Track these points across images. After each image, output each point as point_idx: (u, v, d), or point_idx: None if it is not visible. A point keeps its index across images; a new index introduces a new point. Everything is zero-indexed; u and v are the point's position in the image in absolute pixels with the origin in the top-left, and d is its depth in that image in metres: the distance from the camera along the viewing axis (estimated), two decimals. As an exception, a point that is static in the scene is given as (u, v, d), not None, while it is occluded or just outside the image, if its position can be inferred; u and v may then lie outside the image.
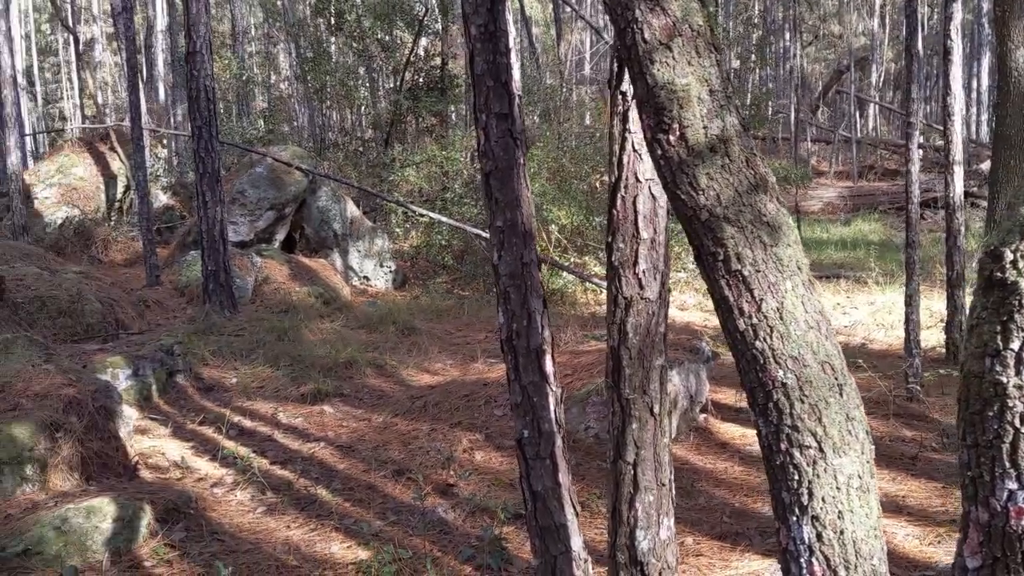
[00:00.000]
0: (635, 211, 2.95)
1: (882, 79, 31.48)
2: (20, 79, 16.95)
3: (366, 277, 12.40)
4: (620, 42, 2.03)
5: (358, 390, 7.21)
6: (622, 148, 3.04)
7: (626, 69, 3.16)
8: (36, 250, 10.23)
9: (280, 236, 12.18)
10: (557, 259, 10.89)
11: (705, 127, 1.95)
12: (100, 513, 4.30)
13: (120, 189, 13.89)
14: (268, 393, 7.10)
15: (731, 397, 6.15)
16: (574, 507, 2.73)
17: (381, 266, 12.51)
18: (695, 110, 1.96)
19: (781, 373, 1.87)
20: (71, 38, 31.41)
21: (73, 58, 30.91)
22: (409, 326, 9.35)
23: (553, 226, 10.97)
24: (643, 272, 2.93)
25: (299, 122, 20.60)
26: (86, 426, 5.20)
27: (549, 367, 2.70)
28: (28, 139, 19.07)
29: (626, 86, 3.00)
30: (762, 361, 1.88)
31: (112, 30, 28.48)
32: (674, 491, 2.98)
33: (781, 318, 1.89)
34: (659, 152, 1.99)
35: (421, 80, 15.65)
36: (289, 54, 27.39)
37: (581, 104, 16.95)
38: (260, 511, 4.84)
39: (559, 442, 2.71)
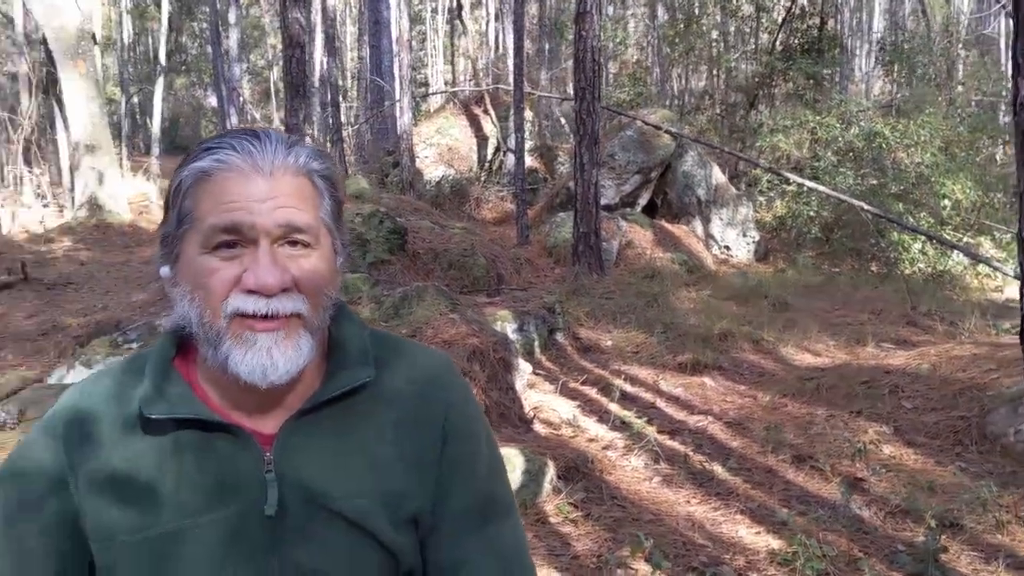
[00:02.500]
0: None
1: None
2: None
3: (727, 246, 12.03)
4: None
5: (737, 364, 6.93)
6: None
7: None
8: (423, 205, 10.92)
9: (643, 200, 12.12)
10: (947, 237, 9.87)
11: None
12: (510, 463, 4.36)
13: (491, 150, 14.50)
14: (644, 359, 7.01)
15: None
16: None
17: (744, 235, 12.08)
18: None
19: None
20: (438, 6, 33.46)
21: (440, 26, 32.92)
22: (781, 300, 8.91)
23: (945, 201, 9.95)
24: None
25: (657, 86, 20.49)
26: (488, 376, 5.36)
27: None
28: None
29: None
30: None
31: (475, -1, 29.93)
32: None
33: None
34: None
35: (795, 41, 14.86)
36: (640, 19, 27.34)
37: (979, 67, 15.28)
38: (656, 481, 4.71)
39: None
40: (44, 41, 14.37)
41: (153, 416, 1.15)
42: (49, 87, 16.37)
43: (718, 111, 16.34)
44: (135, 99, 26.18)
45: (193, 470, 1.16)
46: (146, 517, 1.15)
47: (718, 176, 12.38)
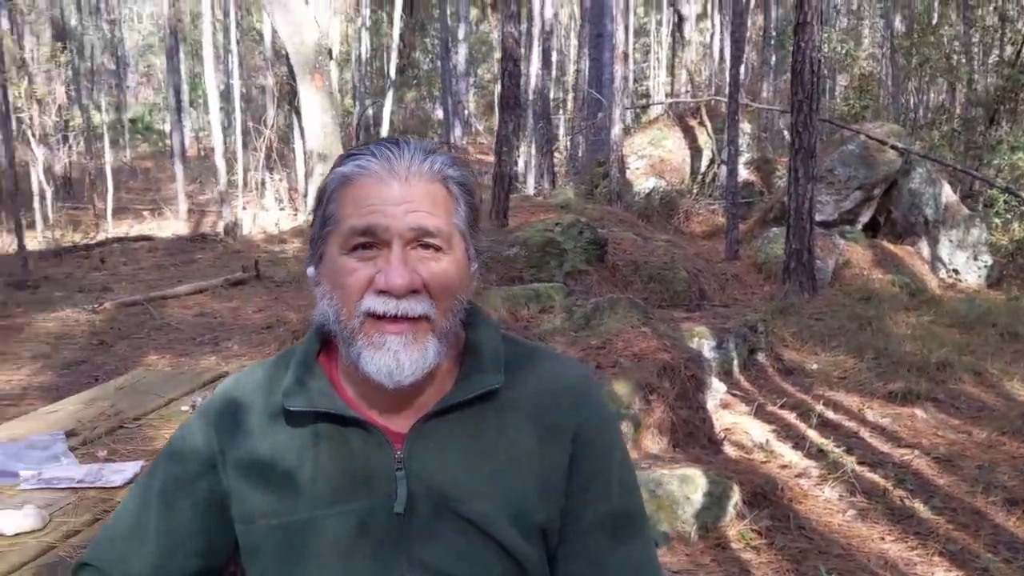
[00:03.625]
0: None
1: None
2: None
3: (955, 270, 11.22)
4: None
5: (954, 397, 6.43)
6: None
7: None
8: (628, 216, 10.89)
9: (864, 218, 11.51)
10: None
11: None
12: (692, 484, 4.26)
13: (704, 163, 14.24)
14: (851, 385, 6.65)
15: None
16: None
17: (975, 259, 11.22)
18: None
19: None
20: (663, 19, 33.27)
21: (663, 38, 32.74)
22: (1012, 331, 8.19)
23: None
24: None
25: (889, 99, 19.45)
26: (677, 393, 5.26)
27: None
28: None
29: None
30: None
31: (700, 10, 29.55)
32: None
33: None
34: None
35: (1044, 52, 13.69)
36: (874, 29, 26.04)
37: None
38: (850, 514, 4.46)
39: None
40: (287, 56, 15.46)
41: (292, 408, 1.21)
42: (291, 99, 17.61)
43: (954, 126, 15.29)
44: (369, 111, 27.65)
45: (328, 462, 1.21)
46: (284, 504, 1.21)
47: (948, 195, 11.56)
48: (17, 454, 2.30)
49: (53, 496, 2.08)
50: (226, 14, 23.48)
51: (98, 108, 25.80)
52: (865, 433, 5.64)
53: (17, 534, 1.87)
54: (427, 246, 1.16)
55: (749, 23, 20.97)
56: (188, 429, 1.32)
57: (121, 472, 2.22)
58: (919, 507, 4.49)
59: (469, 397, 1.21)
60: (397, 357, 1.14)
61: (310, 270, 1.25)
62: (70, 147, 16.78)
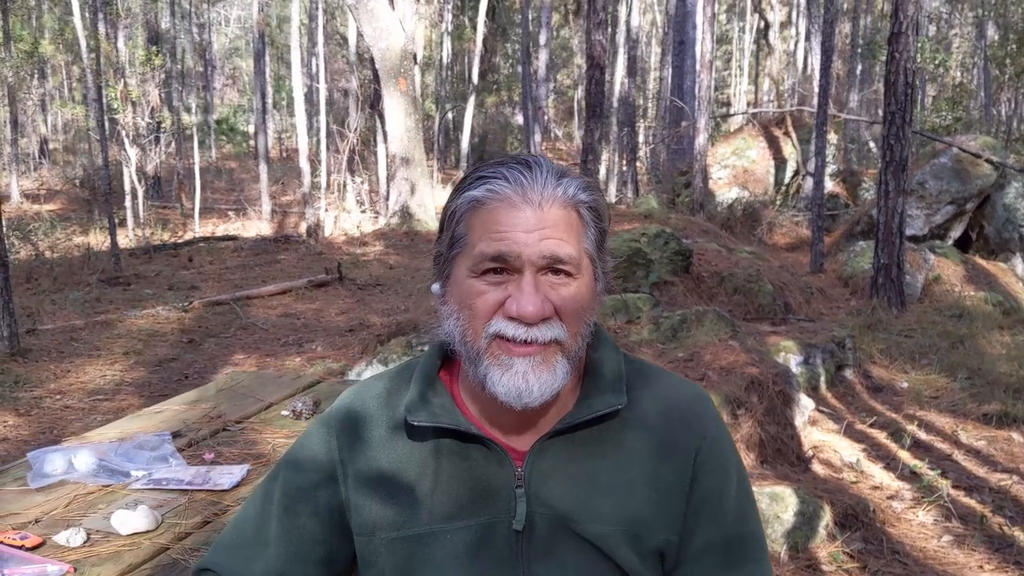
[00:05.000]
0: None
1: None
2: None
3: (1052, 288, 10.83)
4: None
5: (1055, 419, 6.20)
6: None
7: None
8: (711, 227, 10.77)
9: (955, 233, 11.20)
10: None
11: None
12: (783, 502, 4.19)
13: (789, 173, 14.02)
14: (943, 405, 6.46)
15: None
16: None
17: (1073, 278, 10.82)
18: None
19: None
20: (746, 26, 32.85)
21: (746, 46, 32.32)
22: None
23: None
24: None
25: (981, 111, 18.89)
26: (765, 408, 5.17)
27: None
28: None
29: None
30: None
31: (784, 19, 29.09)
32: None
33: None
34: None
35: None
36: (966, 38, 25.35)
37: None
38: (946, 540, 4.33)
39: None
40: (371, 60, 15.66)
41: (416, 423, 1.22)
42: (375, 103, 17.84)
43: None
44: (450, 115, 27.86)
45: (449, 477, 1.22)
46: (404, 517, 1.22)
47: (1046, 210, 11.18)
48: (127, 454, 2.35)
49: (163, 497, 2.10)
50: (311, 18, 23.92)
51: (188, 110, 26.49)
52: (959, 456, 5.47)
53: (132, 534, 1.90)
54: (558, 271, 1.15)
55: (836, 31, 20.58)
56: (309, 438, 1.33)
57: (228, 475, 2.25)
58: (1020, 535, 4.34)
59: (591, 417, 1.21)
60: (526, 378, 1.14)
61: (435, 287, 1.26)
62: (161, 148, 17.24)
